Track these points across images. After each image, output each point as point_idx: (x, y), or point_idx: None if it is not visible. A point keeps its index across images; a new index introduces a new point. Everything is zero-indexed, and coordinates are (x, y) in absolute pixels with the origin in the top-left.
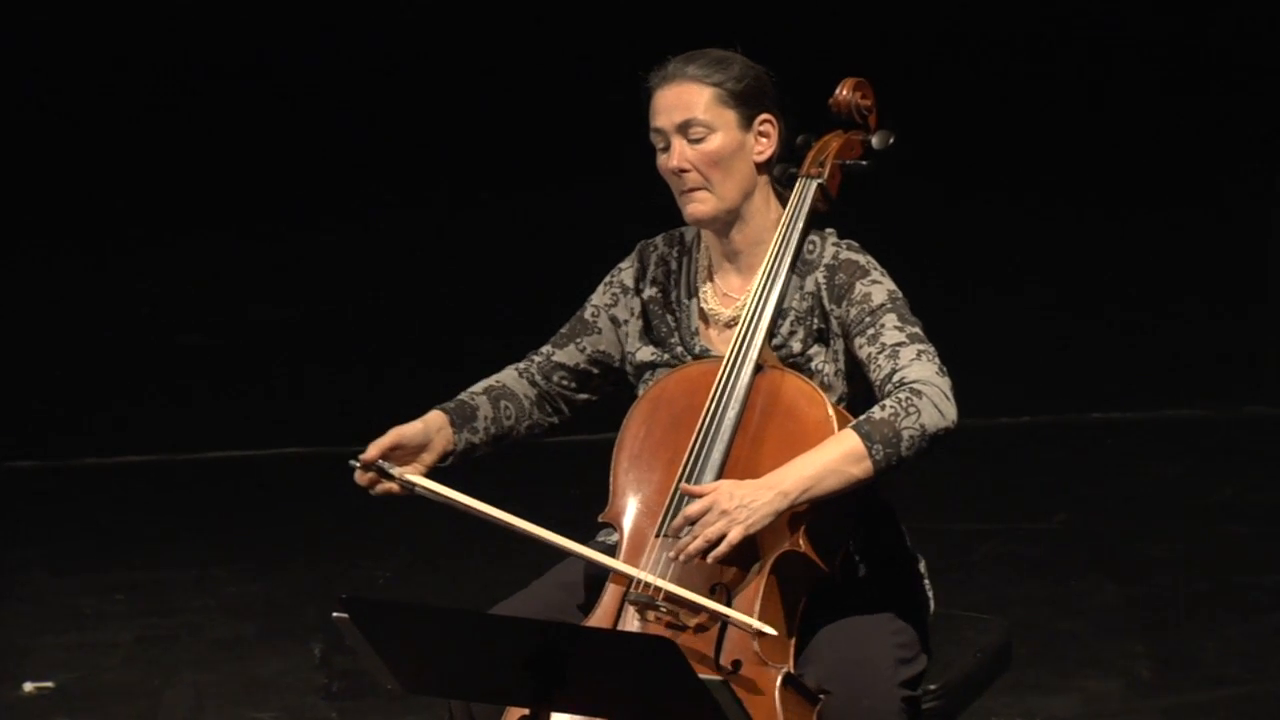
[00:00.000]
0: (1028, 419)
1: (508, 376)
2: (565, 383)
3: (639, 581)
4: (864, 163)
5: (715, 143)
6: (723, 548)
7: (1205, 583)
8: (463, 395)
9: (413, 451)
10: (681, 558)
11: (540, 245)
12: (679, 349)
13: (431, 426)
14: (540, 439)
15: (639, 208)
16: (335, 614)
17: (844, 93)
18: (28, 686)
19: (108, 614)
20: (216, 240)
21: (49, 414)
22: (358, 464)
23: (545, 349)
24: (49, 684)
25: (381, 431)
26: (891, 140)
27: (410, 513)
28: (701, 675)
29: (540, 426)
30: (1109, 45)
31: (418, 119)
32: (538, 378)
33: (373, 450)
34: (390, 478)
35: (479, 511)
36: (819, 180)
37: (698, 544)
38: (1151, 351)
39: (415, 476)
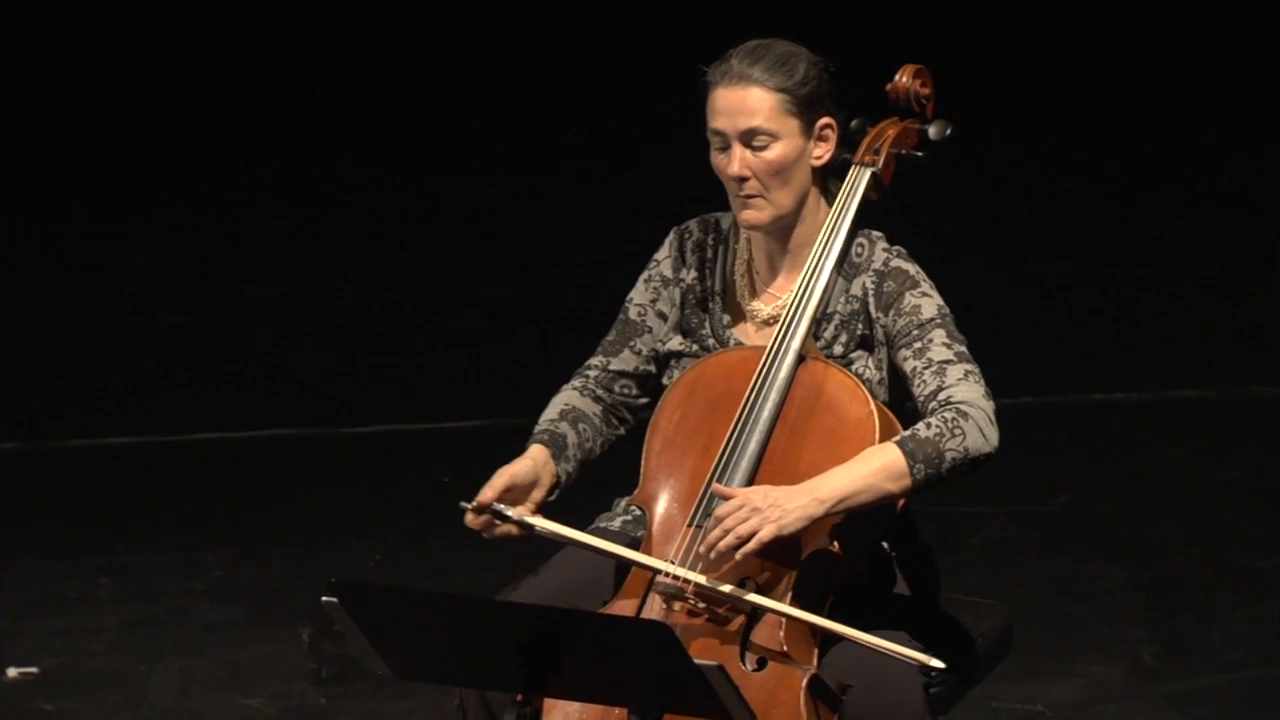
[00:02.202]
0: (1029, 399)
1: (573, 398)
2: (627, 390)
3: (670, 573)
4: (919, 154)
5: (777, 151)
6: (752, 545)
7: (1210, 566)
8: (545, 425)
9: (524, 490)
10: (712, 554)
11: (533, 227)
12: (710, 340)
13: (539, 462)
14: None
15: (636, 194)
16: (324, 598)
17: (903, 79)
18: (11, 672)
19: (92, 598)
20: (202, 219)
21: (32, 395)
22: (469, 506)
23: (597, 361)
24: (33, 669)
25: (375, 412)
26: (949, 131)
27: (400, 496)
28: (697, 659)
29: (610, 441)
30: (1118, 22)
31: (411, 94)
32: (600, 392)
33: (487, 493)
34: (507, 519)
35: (602, 550)
36: (873, 169)
37: (728, 540)
38: (1155, 331)
39: (532, 518)
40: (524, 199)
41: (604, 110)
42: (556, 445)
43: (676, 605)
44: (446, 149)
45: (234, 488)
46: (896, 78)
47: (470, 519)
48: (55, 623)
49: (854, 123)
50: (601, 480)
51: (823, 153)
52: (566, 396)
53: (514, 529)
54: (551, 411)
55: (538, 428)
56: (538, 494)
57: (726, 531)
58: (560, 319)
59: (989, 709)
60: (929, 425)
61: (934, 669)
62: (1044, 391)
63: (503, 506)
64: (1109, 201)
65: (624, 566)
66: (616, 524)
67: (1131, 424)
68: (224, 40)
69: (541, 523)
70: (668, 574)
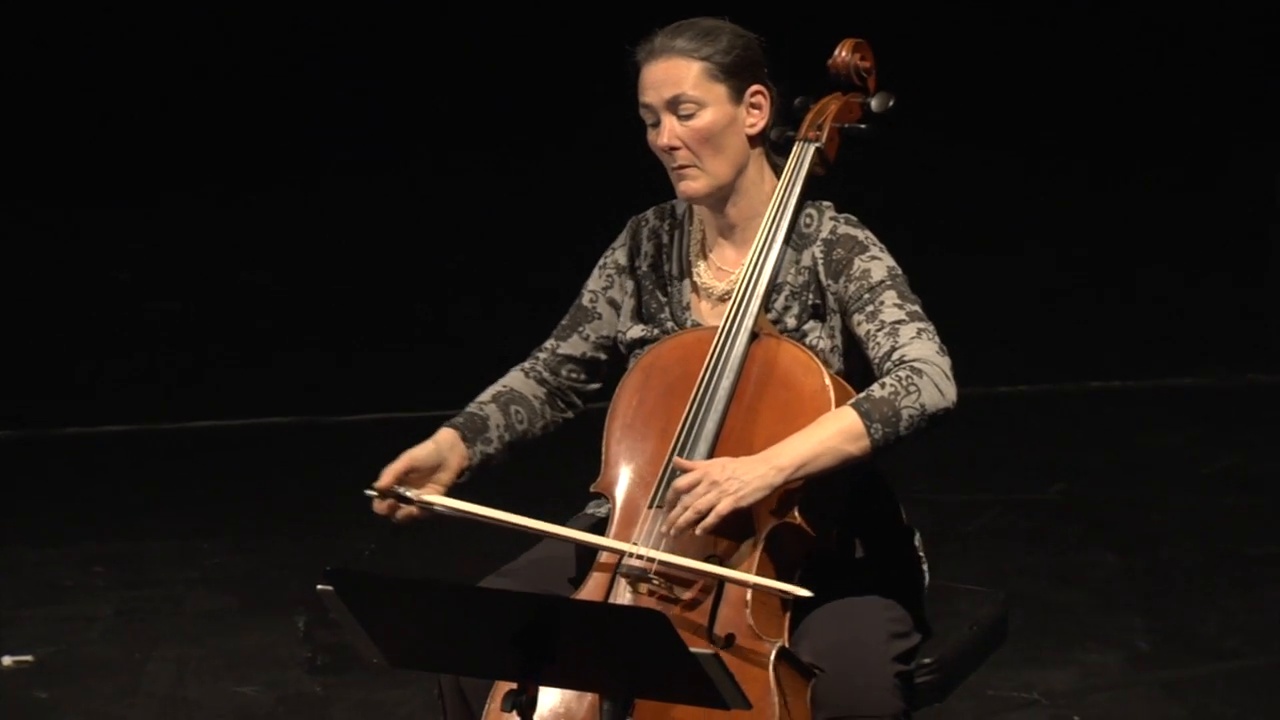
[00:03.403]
0: (1025, 387)
1: (514, 379)
2: (574, 375)
3: (632, 553)
4: (863, 126)
5: (706, 119)
6: (711, 518)
7: (1205, 554)
8: (471, 407)
9: (427, 473)
10: (671, 531)
11: (531, 219)
12: (670, 325)
13: (443, 445)
14: (553, 434)
15: (628, 175)
16: (319, 586)
17: (843, 54)
18: (6, 660)
19: (87, 586)
20: (197, 207)
21: (26, 383)
22: (375, 493)
23: (548, 344)
24: (28, 657)
25: (370, 400)
26: (891, 103)
27: None
28: (693, 648)
29: (555, 424)
30: (1118, 10)
31: (408, 85)
32: (545, 374)
33: (386, 477)
34: (408, 501)
35: (501, 522)
36: (817, 144)
37: (687, 515)
38: (1151, 319)
39: (433, 496)
40: (522, 191)
41: (602, 106)
42: (473, 427)
43: (643, 588)
44: (444, 140)
45: (229, 476)
46: (836, 53)
47: (376, 504)
48: (50, 611)
49: (797, 100)
50: (592, 471)
51: (756, 120)
52: (509, 378)
53: (415, 511)
54: (485, 394)
55: (465, 409)
56: (444, 476)
57: (685, 508)
58: (556, 310)
59: (985, 697)
60: (883, 385)
61: (802, 597)
62: (1039, 379)
63: (403, 489)
64: (1106, 191)
65: (588, 553)
66: (605, 510)
67: (1128, 412)
68: (218, 30)
69: (442, 501)
70: (632, 554)
